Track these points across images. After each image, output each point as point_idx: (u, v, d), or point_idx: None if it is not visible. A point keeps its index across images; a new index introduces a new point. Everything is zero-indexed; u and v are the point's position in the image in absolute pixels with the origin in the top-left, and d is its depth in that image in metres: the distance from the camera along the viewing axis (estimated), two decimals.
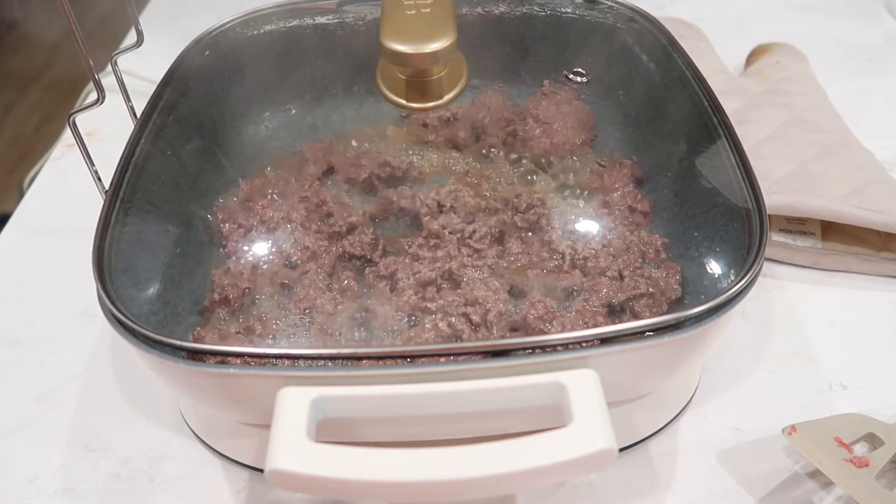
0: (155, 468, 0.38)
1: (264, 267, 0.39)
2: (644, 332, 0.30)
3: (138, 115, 0.41)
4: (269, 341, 0.36)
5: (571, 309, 0.37)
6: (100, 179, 0.39)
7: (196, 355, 0.31)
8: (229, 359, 0.32)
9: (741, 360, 0.43)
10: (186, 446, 0.39)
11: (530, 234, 0.41)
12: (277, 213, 0.41)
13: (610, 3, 0.47)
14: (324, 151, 0.45)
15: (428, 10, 0.37)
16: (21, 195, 0.56)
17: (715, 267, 0.37)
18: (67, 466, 0.39)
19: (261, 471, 0.37)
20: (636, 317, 0.37)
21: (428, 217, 0.41)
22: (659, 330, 0.30)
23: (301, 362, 0.30)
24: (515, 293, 0.38)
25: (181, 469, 0.38)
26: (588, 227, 0.41)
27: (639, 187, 0.43)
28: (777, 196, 0.46)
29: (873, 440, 0.37)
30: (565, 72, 0.48)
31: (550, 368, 0.29)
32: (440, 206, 0.42)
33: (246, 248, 0.40)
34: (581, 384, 0.29)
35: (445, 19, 0.37)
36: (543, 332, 0.35)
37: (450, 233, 0.40)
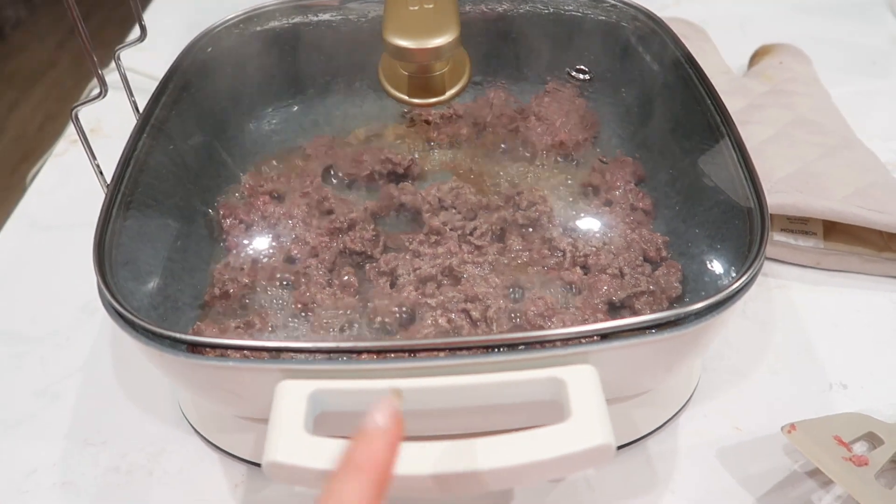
0: (154, 462, 0.38)
1: (265, 262, 0.39)
2: (643, 328, 0.30)
3: (141, 111, 0.41)
4: (269, 335, 0.36)
5: (572, 306, 0.37)
6: (101, 174, 0.39)
7: (195, 348, 0.31)
8: (229, 352, 0.32)
9: (742, 359, 0.43)
10: (185, 441, 0.39)
11: (531, 231, 0.41)
12: (279, 209, 0.41)
13: (613, 2, 0.47)
14: (325, 147, 0.45)
15: (431, 5, 0.37)
16: (24, 191, 0.57)
17: (716, 265, 0.37)
18: (66, 460, 0.39)
19: (259, 465, 0.37)
20: (636, 314, 0.37)
21: (429, 214, 0.41)
22: (658, 326, 0.30)
23: (299, 356, 0.30)
24: (516, 290, 0.38)
25: (180, 463, 0.38)
26: (589, 224, 0.41)
27: (640, 185, 0.43)
28: (779, 195, 0.46)
29: (873, 439, 0.37)
30: (568, 69, 0.48)
31: (549, 364, 0.29)
32: (441, 202, 0.42)
33: (247, 243, 0.40)
34: (580, 380, 0.29)
35: (448, 15, 0.37)
36: (542, 329, 0.35)
37: (451, 229, 0.40)
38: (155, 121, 0.40)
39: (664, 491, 0.37)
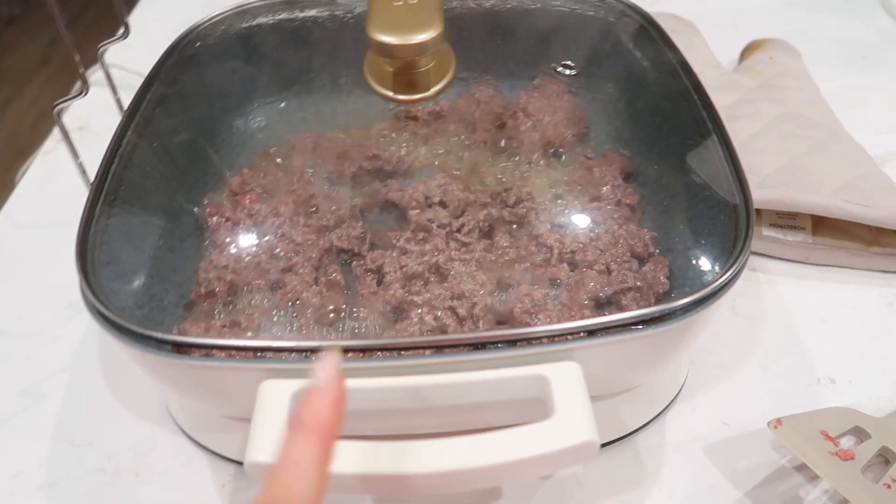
0: (140, 463, 0.38)
1: (251, 260, 0.39)
2: (628, 324, 0.30)
3: (125, 108, 0.41)
4: (254, 334, 0.36)
5: (559, 303, 0.37)
6: (84, 172, 0.39)
7: (179, 348, 0.31)
8: (213, 352, 0.32)
9: (730, 355, 0.43)
10: (172, 441, 0.39)
11: (519, 227, 0.41)
12: (265, 207, 0.41)
13: None
14: (312, 144, 0.45)
15: (415, 1, 0.37)
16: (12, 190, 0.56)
17: (703, 261, 0.37)
18: (52, 461, 0.38)
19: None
20: (623, 310, 0.37)
21: (416, 210, 0.41)
22: (643, 322, 0.30)
23: (282, 355, 0.30)
24: (503, 287, 0.38)
25: (167, 463, 0.38)
26: (576, 220, 0.41)
27: (628, 181, 0.43)
28: (768, 191, 0.46)
29: (860, 433, 0.37)
30: (555, 65, 0.47)
31: (533, 361, 0.29)
32: (428, 199, 0.41)
33: (233, 241, 0.40)
34: (564, 377, 0.28)
35: (432, 10, 0.37)
36: (529, 326, 0.35)
37: (438, 226, 0.40)
38: (140, 118, 0.40)
39: (652, 486, 0.37)
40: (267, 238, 0.40)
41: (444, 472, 0.27)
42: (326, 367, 0.24)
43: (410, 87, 0.39)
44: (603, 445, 0.37)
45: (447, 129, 0.45)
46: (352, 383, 0.29)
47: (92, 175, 0.37)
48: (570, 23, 0.47)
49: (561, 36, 0.48)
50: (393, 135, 0.45)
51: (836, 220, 0.46)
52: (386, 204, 0.42)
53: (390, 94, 0.39)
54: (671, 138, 0.42)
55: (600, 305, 0.37)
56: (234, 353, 0.31)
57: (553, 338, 0.30)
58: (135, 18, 0.71)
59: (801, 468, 0.37)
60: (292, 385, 0.29)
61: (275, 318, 0.37)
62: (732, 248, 0.33)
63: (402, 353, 0.30)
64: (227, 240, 0.40)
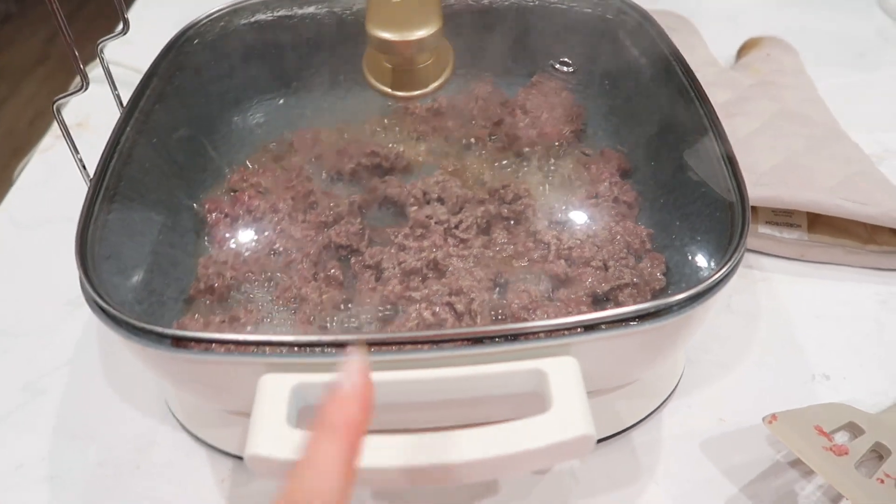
0: (141, 457, 0.38)
1: (250, 256, 0.39)
2: (624, 319, 0.30)
3: (125, 104, 0.41)
4: (253, 329, 0.36)
5: (556, 299, 0.37)
6: (84, 168, 0.39)
7: (178, 343, 0.31)
8: (213, 346, 0.32)
9: (726, 351, 0.43)
10: (172, 435, 0.39)
11: (516, 224, 0.41)
12: (264, 203, 0.41)
13: None
14: (311, 141, 0.45)
15: None
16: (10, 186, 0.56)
17: (699, 257, 0.37)
18: (53, 454, 0.39)
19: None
20: (620, 306, 0.37)
21: (414, 207, 0.41)
22: (639, 318, 0.30)
23: (282, 349, 0.30)
24: (500, 283, 0.38)
25: (167, 457, 0.38)
26: (574, 217, 0.41)
27: (625, 178, 0.43)
28: (764, 188, 0.46)
29: (854, 429, 0.37)
30: (553, 62, 0.48)
31: (531, 356, 0.29)
32: (427, 196, 0.42)
33: (232, 236, 0.40)
34: (561, 371, 0.29)
35: (431, 7, 0.37)
36: (527, 321, 0.35)
37: (436, 223, 0.40)
38: (139, 114, 0.40)
39: (648, 482, 0.37)
40: (266, 234, 0.40)
41: (440, 465, 0.27)
42: (353, 364, 0.23)
43: (409, 83, 0.39)
44: (599, 441, 0.38)
45: (445, 125, 0.45)
46: None
47: (91, 171, 0.37)
48: (569, 20, 0.47)
49: (559, 33, 0.48)
50: (391, 131, 0.45)
51: (832, 217, 0.46)
52: (384, 200, 0.42)
53: (389, 90, 0.39)
54: (668, 135, 0.42)
55: (597, 301, 0.38)
56: (233, 347, 0.31)
57: (550, 333, 0.30)
58: (134, 14, 0.71)
59: (796, 463, 0.37)
60: (291, 379, 0.29)
61: (274, 314, 0.37)
62: (728, 244, 0.33)
63: (400, 347, 0.30)
64: (227, 235, 0.40)
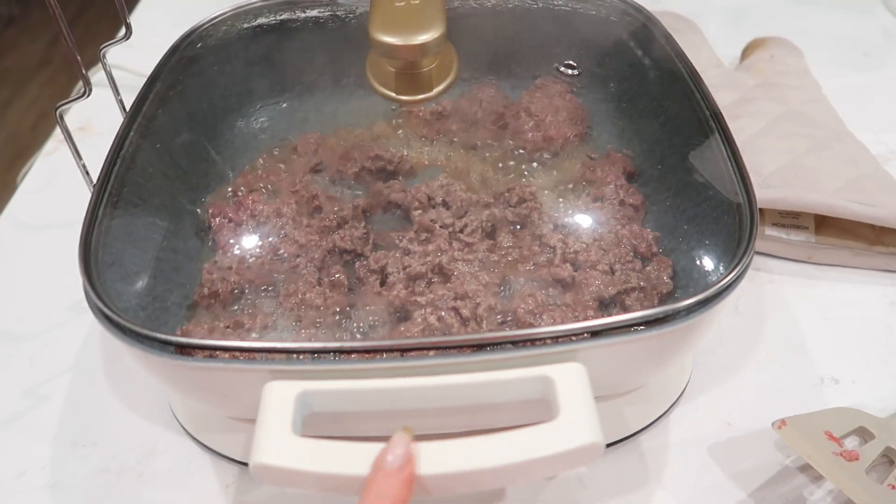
0: (144, 463, 0.38)
1: (254, 261, 0.39)
2: (632, 325, 0.30)
3: (127, 109, 0.41)
4: (258, 335, 0.36)
5: (562, 303, 0.37)
6: (87, 173, 0.39)
7: (182, 350, 0.31)
8: (217, 353, 0.32)
9: (733, 355, 0.42)
10: (176, 441, 0.39)
11: (522, 227, 0.41)
12: (267, 207, 0.41)
13: None
14: (315, 145, 0.45)
15: (417, 1, 0.37)
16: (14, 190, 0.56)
17: (706, 261, 0.37)
18: (56, 461, 0.38)
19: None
20: (627, 311, 0.37)
21: (419, 211, 0.41)
22: (647, 323, 0.30)
23: (287, 356, 0.30)
24: (506, 287, 0.38)
25: (170, 464, 0.38)
26: (579, 221, 0.41)
27: (631, 181, 0.43)
28: (771, 190, 0.46)
29: (864, 434, 0.37)
30: (557, 65, 0.47)
31: (537, 362, 0.29)
32: (431, 199, 0.41)
33: (236, 241, 0.40)
34: (568, 378, 0.28)
35: (434, 11, 0.37)
36: (533, 326, 0.35)
37: (441, 226, 0.40)
38: (142, 119, 0.40)
39: (656, 487, 0.37)
40: (270, 239, 0.40)
41: (447, 473, 0.27)
42: (399, 446, 0.25)
43: (413, 87, 0.39)
44: (607, 446, 0.37)
45: (450, 129, 0.45)
46: (354, 385, 0.29)
47: (94, 176, 0.37)
48: (572, 22, 0.47)
49: (563, 35, 0.48)
50: (395, 135, 0.45)
51: (839, 219, 0.46)
52: (389, 204, 0.42)
53: (392, 94, 0.39)
54: (674, 137, 0.42)
55: (604, 306, 0.37)
56: (237, 354, 0.31)
57: (557, 339, 0.30)
58: (136, 19, 0.71)
59: (805, 469, 0.37)
60: (297, 386, 0.29)
61: (278, 319, 0.37)
62: (736, 247, 0.33)
63: (406, 354, 0.30)
64: (231, 240, 0.40)
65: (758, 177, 0.47)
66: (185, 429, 0.39)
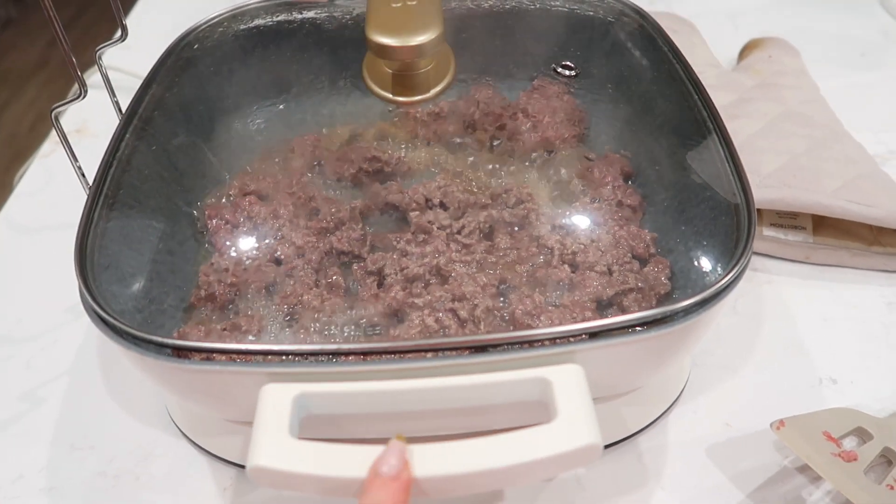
0: (141, 466, 0.38)
1: (251, 263, 0.39)
2: (630, 326, 0.30)
3: (123, 111, 0.40)
4: (255, 338, 0.36)
5: (560, 304, 0.37)
6: (83, 175, 0.39)
7: (179, 352, 0.31)
8: (214, 356, 0.32)
9: (731, 355, 0.42)
10: (173, 444, 0.39)
11: (519, 229, 0.41)
12: (264, 209, 0.41)
13: None
14: (311, 146, 0.44)
15: (414, 2, 0.37)
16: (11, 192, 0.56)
17: (704, 261, 0.37)
18: (53, 465, 0.38)
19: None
20: (625, 312, 0.37)
21: (416, 212, 0.41)
22: (645, 324, 0.30)
23: (284, 359, 0.30)
24: (504, 289, 0.38)
25: (168, 467, 0.38)
26: (577, 221, 0.41)
27: (629, 182, 0.43)
28: (768, 190, 0.46)
29: (862, 434, 0.37)
30: (555, 66, 0.47)
31: (535, 364, 0.29)
32: (428, 201, 0.41)
33: (232, 244, 0.40)
34: (566, 379, 0.28)
35: (431, 12, 0.36)
36: (531, 328, 0.35)
37: (438, 228, 0.40)
38: (138, 121, 0.40)
39: (655, 488, 0.37)
40: (267, 241, 0.40)
41: (445, 476, 0.26)
42: (394, 454, 0.26)
43: (410, 88, 0.39)
44: (605, 447, 0.37)
45: (447, 130, 0.45)
46: (352, 387, 0.29)
47: (90, 178, 0.37)
48: (570, 23, 0.47)
49: (560, 36, 0.47)
50: (392, 136, 0.45)
51: (837, 219, 0.46)
52: (386, 206, 0.42)
53: (389, 95, 0.39)
54: (671, 138, 0.42)
55: (602, 307, 0.37)
56: (234, 356, 0.31)
57: (555, 340, 0.30)
58: (132, 21, 0.71)
59: (804, 469, 0.37)
60: (294, 389, 0.28)
61: (275, 322, 0.37)
62: (734, 248, 0.33)
63: (403, 356, 0.30)
64: (227, 242, 0.40)
65: (756, 177, 0.47)
66: (182, 432, 0.39)
